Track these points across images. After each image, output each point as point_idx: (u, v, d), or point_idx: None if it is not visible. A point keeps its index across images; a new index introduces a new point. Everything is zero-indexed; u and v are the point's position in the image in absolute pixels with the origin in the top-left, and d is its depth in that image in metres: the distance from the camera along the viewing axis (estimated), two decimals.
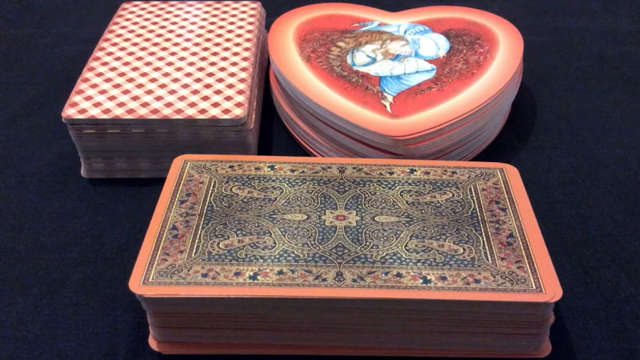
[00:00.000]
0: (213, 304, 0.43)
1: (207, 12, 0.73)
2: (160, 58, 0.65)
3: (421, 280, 0.43)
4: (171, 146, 0.58)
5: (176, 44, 0.67)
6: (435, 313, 0.43)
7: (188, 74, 0.62)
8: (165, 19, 0.72)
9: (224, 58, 0.65)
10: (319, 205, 0.49)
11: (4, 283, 0.51)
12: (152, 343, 0.45)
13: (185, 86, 0.61)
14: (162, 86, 0.60)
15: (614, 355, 0.46)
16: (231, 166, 0.52)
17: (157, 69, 0.63)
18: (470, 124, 0.58)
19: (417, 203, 0.49)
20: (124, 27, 0.70)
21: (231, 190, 0.50)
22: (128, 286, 0.42)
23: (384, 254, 0.45)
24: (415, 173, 0.52)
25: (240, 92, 0.60)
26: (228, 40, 0.68)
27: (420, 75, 0.62)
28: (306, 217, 0.48)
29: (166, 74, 0.62)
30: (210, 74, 0.62)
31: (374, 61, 0.64)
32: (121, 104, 0.58)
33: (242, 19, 0.72)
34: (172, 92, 0.60)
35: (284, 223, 0.47)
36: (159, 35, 0.69)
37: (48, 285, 0.51)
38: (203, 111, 0.57)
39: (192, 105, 0.58)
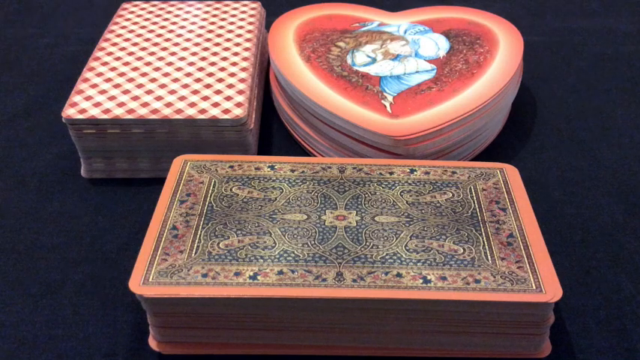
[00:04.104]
0: (213, 304, 0.43)
1: (207, 12, 0.73)
2: (160, 58, 0.65)
3: (421, 280, 0.43)
4: (171, 146, 0.58)
5: (176, 44, 0.67)
6: (435, 313, 0.43)
7: (188, 74, 0.62)
8: (166, 19, 0.72)
9: (224, 58, 0.65)
10: (319, 205, 0.49)
11: (4, 283, 0.51)
12: (152, 343, 0.45)
13: (185, 86, 0.61)
14: (162, 86, 0.60)
15: (614, 355, 0.46)
16: (231, 166, 0.52)
17: (157, 69, 0.63)
18: (470, 124, 0.58)
19: (417, 203, 0.49)
20: (124, 27, 0.70)
21: (231, 190, 0.50)
22: (128, 286, 0.42)
23: (384, 254, 0.45)
24: (415, 173, 0.52)
25: (240, 92, 0.60)
26: (228, 40, 0.68)
27: (420, 75, 0.62)
28: (306, 217, 0.48)
29: (166, 74, 0.62)
30: (210, 74, 0.62)
31: (374, 61, 0.64)
32: (121, 104, 0.58)
33: (242, 19, 0.72)
34: (172, 92, 0.60)
35: (284, 223, 0.47)
36: (159, 35, 0.69)
37: (48, 285, 0.51)
38: (203, 111, 0.57)
39: (192, 105, 0.58)
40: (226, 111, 0.57)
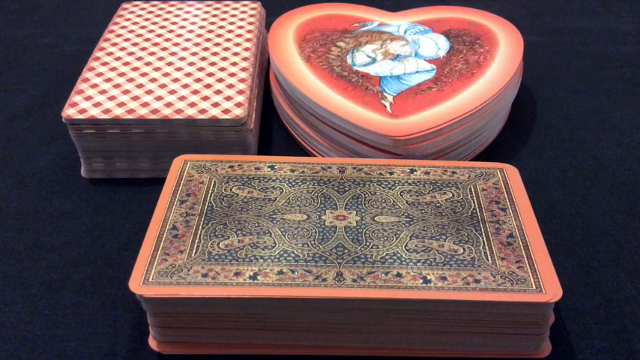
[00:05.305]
0: (213, 304, 0.43)
1: (207, 12, 0.73)
2: (160, 58, 0.65)
3: (421, 280, 0.43)
4: (171, 146, 0.58)
5: (176, 44, 0.67)
6: (435, 313, 0.43)
7: (188, 74, 0.62)
8: (166, 19, 0.72)
9: (224, 58, 0.65)
10: (319, 205, 0.49)
11: (4, 283, 0.51)
12: (152, 343, 0.45)
13: (185, 86, 0.61)
14: (162, 86, 0.60)
15: (614, 355, 0.46)
16: (231, 166, 0.52)
17: (157, 69, 0.63)
18: (470, 124, 0.58)
19: (417, 203, 0.49)
20: (124, 27, 0.70)
21: (231, 190, 0.50)
22: (128, 286, 0.42)
23: (384, 254, 0.45)
24: (415, 173, 0.52)
25: (240, 92, 0.60)
26: (228, 40, 0.68)
27: (420, 75, 0.62)
28: (306, 217, 0.48)
29: (166, 74, 0.62)
30: (210, 74, 0.62)
31: (374, 61, 0.64)
32: (121, 104, 0.58)
33: (242, 19, 0.72)
34: (172, 92, 0.60)
35: (284, 223, 0.47)
36: (159, 35, 0.69)
37: (48, 285, 0.51)
38: (203, 111, 0.57)
39: (192, 105, 0.58)
40: (226, 111, 0.57)
